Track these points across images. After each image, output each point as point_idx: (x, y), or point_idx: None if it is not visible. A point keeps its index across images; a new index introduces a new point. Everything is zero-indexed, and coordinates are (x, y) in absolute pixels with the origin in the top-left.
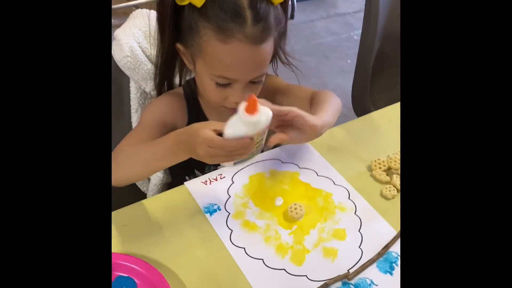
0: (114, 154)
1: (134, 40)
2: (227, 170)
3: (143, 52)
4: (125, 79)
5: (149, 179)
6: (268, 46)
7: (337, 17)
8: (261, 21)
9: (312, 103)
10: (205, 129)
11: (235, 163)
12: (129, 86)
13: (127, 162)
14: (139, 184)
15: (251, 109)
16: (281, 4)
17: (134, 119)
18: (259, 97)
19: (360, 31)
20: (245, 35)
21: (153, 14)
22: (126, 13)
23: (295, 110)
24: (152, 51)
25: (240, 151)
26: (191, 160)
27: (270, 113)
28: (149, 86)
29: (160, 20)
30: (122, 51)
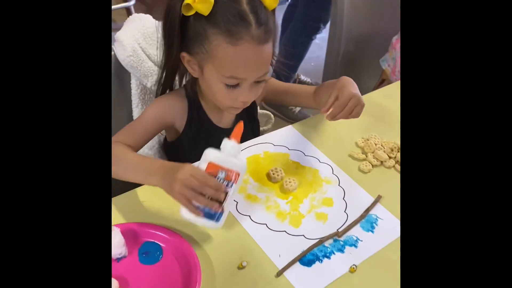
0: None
1: (135, 41)
2: None
3: (143, 51)
4: (127, 75)
5: None
6: (270, 47)
7: None
8: (263, 24)
9: (317, 92)
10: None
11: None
12: (130, 83)
13: (116, 158)
14: None
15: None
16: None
17: (135, 113)
18: (266, 97)
19: (321, 35)
20: (251, 36)
21: (149, 18)
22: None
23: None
24: (151, 51)
25: (214, 188)
26: None
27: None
28: (150, 82)
29: (168, 32)
30: (125, 51)
